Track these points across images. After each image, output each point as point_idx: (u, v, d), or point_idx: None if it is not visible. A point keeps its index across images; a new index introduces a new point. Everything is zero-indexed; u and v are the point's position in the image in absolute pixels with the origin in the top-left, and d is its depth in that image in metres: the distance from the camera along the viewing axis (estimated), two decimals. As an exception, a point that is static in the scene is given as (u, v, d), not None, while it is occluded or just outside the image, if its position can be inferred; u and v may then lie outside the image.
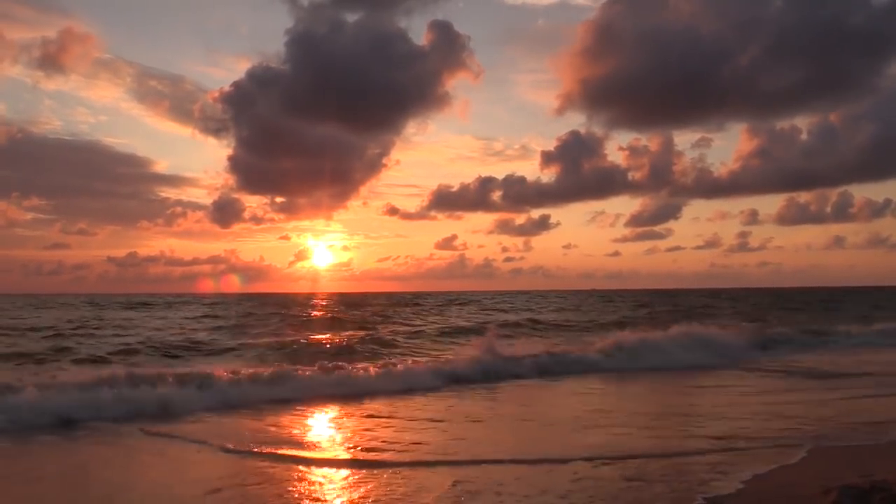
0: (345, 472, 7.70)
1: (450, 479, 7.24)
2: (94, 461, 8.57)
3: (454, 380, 15.36)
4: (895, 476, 6.33)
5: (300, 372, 14.71)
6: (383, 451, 8.63)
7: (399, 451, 8.59)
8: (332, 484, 7.24)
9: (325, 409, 12.15)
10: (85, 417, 10.67)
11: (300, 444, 9.28)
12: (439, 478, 7.33)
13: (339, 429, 10.53)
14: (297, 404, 12.45)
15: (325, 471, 7.77)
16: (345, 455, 8.51)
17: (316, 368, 15.04)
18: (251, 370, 14.65)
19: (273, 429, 10.34)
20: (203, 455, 8.71)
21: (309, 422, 11.19)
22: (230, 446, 8.94)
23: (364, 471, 7.69)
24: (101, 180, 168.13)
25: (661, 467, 7.56)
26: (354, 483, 7.21)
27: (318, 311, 49.10)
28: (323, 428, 10.75)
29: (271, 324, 34.05)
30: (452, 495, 6.67)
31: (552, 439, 9.57)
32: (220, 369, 14.44)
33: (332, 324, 34.78)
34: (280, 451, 8.68)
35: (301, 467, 7.92)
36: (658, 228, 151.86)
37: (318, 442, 9.62)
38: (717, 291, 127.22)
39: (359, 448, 8.85)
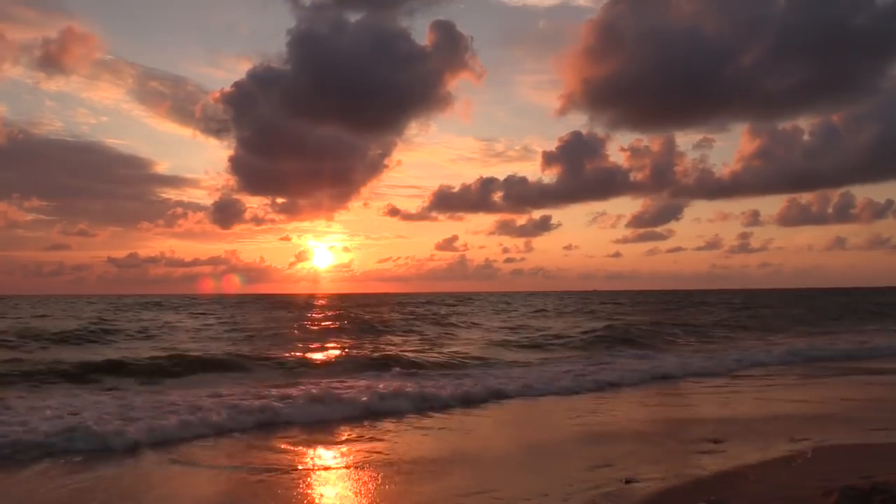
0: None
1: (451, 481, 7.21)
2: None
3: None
4: (897, 477, 6.22)
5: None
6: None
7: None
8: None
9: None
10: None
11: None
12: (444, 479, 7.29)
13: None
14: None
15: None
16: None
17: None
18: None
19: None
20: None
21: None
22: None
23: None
24: (101, 181, 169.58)
25: (661, 467, 7.48)
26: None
27: (350, 313, 47.31)
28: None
29: (328, 329, 32.39)
30: (444, 498, 6.62)
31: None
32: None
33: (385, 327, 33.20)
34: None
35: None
36: (659, 229, 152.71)
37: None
38: (722, 292, 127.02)
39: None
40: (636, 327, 29.68)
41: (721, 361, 18.62)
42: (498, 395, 12.96)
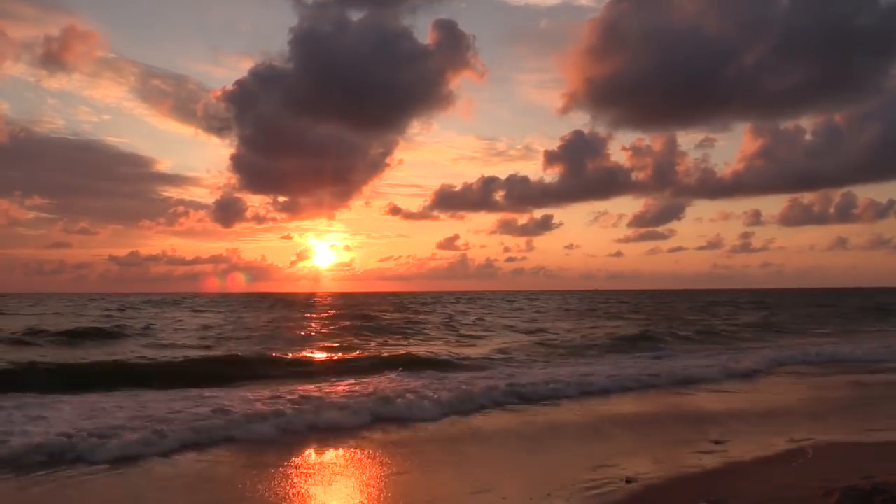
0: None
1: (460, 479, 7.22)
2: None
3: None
4: (897, 477, 6.22)
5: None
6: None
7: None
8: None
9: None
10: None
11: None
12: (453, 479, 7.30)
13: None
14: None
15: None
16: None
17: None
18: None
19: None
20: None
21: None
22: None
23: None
24: (103, 179, 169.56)
25: (662, 467, 7.49)
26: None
27: (359, 311, 46.64)
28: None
29: (343, 328, 31.35)
30: (449, 496, 6.64)
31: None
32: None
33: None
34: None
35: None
36: (661, 229, 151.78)
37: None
38: (724, 292, 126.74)
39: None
40: (654, 328, 29.66)
41: (738, 363, 18.12)
42: (520, 396, 12.85)
